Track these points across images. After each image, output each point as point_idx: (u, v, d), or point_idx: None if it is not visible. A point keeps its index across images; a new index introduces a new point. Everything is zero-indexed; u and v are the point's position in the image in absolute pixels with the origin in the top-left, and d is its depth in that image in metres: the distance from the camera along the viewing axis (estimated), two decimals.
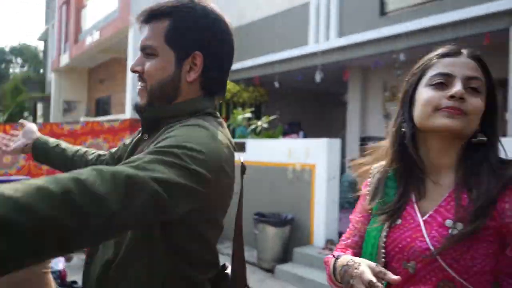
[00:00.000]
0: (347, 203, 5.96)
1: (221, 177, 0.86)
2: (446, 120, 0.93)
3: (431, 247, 0.91)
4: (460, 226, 0.90)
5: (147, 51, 0.97)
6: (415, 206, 0.99)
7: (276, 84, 8.33)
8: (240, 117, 6.08)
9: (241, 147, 5.91)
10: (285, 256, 4.99)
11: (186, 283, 0.92)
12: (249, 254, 5.44)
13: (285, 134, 7.49)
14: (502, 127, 6.04)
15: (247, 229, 5.54)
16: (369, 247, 1.02)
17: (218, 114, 1.00)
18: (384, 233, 0.99)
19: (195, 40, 0.95)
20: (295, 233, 5.09)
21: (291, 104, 9.77)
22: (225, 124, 1.00)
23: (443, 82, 0.95)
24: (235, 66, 9.07)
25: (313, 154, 5.11)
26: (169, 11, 0.95)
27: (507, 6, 5.19)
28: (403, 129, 1.02)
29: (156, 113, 0.99)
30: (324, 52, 7.45)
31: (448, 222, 0.92)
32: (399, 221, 0.99)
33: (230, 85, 9.20)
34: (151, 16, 0.96)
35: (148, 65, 0.96)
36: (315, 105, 10.52)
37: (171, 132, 0.85)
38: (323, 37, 7.59)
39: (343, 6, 7.41)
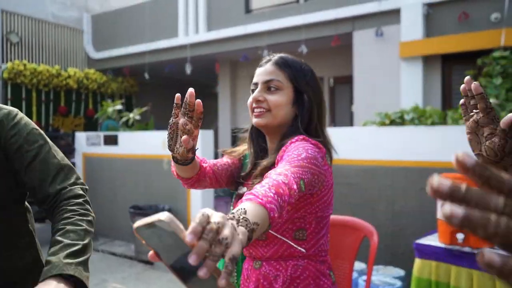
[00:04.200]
0: (221, 192, 6.30)
1: None
2: (255, 119, 1.24)
3: None
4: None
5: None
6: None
7: (146, 75, 8.21)
8: (110, 109, 5.88)
9: (113, 141, 5.77)
10: None
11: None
12: (127, 249, 5.40)
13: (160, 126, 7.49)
14: (348, 118, 7.04)
15: (124, 223, 5.49)
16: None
17: None
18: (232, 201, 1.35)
19: None
20: None
21: (163, 95, 9.73)
22: None
23: (254, 89, 1.26)
24: (101, 54, 8.68)
25: None
26: None
27: (352, 13, 6.04)
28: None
29: None
30: (194, 45, 7.63)
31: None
32: (244, 189, 1.29)
33: (96, 75, 8.76)
34: None
35: None
36: None
37: None
38: (192, 30, 7.74)
39: (210, 1, 7.65)
